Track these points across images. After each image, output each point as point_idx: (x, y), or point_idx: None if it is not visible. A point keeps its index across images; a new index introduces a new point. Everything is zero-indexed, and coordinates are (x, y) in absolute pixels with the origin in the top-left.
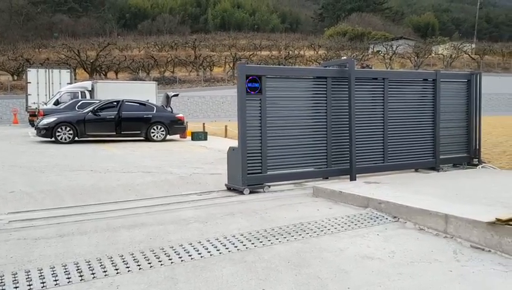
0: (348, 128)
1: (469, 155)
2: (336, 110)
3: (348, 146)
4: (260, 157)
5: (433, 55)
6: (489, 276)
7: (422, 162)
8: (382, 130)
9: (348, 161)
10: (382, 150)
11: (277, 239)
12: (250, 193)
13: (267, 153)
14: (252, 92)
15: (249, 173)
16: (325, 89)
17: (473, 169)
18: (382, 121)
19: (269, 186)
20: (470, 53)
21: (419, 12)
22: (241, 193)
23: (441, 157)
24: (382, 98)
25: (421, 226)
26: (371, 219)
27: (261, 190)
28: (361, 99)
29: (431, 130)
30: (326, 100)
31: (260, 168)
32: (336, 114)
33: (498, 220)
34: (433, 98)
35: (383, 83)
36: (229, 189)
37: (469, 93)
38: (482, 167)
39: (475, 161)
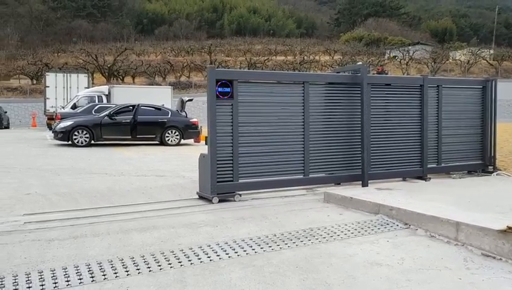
0: (328, 136)
1: (484, 162)
2: (317, 116)
3: (326, 154)
4: (231, 165)
5: (450, 60)
6: (499, 284)
7: (408, 171)
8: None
9: (323, 170)
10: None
11: (286, 244)
12: (220, 201)
13: (239, 160)
14: (223, 97)
15: (219, 181)
16: (303, 95)
17: (488, 176)
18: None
19: (240, 195)
20: (488, 59)
21: (436, 17)
22: (210, 201)
23: (453, 164)
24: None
25: (432, 233)
26: (382, 225)
27: (232, 198)
28: (335, 104)
29: (418, 138)
30: (303, 106)
31: (231, 176)
32: (317, 120)
33: (509, 228)
34: (420, 105)
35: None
36: (200, 198)
37: (484, 100)
38: (496, 175)
39: (490, 168)
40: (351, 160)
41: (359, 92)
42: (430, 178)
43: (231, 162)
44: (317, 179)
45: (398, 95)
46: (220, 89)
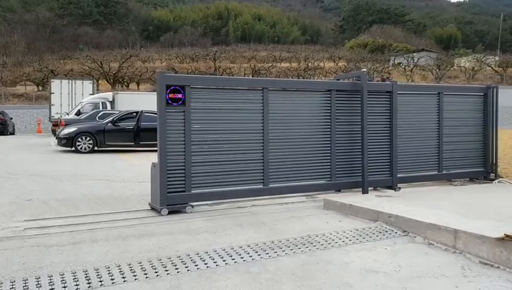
0: (292, 144)
1: (486, 169)
2: (281, 123)
3: (287, 162)
4: (183, 175)
5: (455, 67)
6: None
7: (377, 180)
8: (329, 144)
9: (286, 179)
10: (329, 167)
11: (283, 251)
12: (170, 213)
13: (191, 170)
14: (175, 104)
15: (170, 192)
16: (262, 101)
17: (489, 184)
18: (329, 135)
19: (192, 206)
20: (493, 65)
21: (441, 24)
22: (159, 213)
23: (455, 171)
24: (329, 110)
25: (431, 241)
26: (380, 232)
27: (184, 210)
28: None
29: (387, 147)
30: (262, 113)
31: (183, 186)
32: (281, 128)
33: (507, 236)
34: (389, 112)
35: (329, 95)
36: (152, 209)
37: (486, 107)
38: (498, 182)
39: (492, 175)
40: (319, 168)
41: (330, 99)
42: (400, 188)
43: (183, 171)
44: (279, 189)
45: (370, 101)
46: (170, 95)
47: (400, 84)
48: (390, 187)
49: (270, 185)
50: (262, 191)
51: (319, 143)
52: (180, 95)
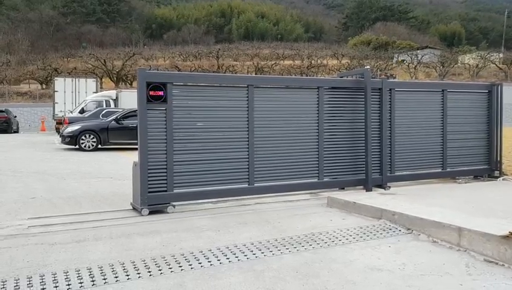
0: (275, 142)
1: (490, 167)
2: (267, 122)
3: (273, 161)
4: (165, 174)
5: (459, 64)
6: None
7: (365, 179)
8: (317, 142)
9: (272, 178)
10: (317, 165)
11: (287, 249)
12: (151, 213)
13: (173, 169)
14: (156, 101)
15: (151, 191)
16: (247, 99)
17: (493, 181)
18: (317, 133)
19: (174, 206)
20: (497, 62)
21: (445, 21)
22: (140, 213)
23: (459, 169)
24: (317, 108)
25: (435, 238)
26: (384, 230)
27: (166, 210)
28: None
29: (377, 145)
30: (248, 110)
31: (165, 185)
32: (267, 126)
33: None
34: (379, 110)
35: (317, 92)
36: (134, 209)
37: (490, 105)
38: (503, 179)
39: (496, 173)
40: (307, 167)
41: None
42: (389, 187)
43: (165, 170)
44: (265, 188)
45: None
46: (151, 93)
47: (391, 81)
48: (380, 186)
49: (256, 185)
50: (248, 191)
51: (307, 141)
52: (161, 92)
